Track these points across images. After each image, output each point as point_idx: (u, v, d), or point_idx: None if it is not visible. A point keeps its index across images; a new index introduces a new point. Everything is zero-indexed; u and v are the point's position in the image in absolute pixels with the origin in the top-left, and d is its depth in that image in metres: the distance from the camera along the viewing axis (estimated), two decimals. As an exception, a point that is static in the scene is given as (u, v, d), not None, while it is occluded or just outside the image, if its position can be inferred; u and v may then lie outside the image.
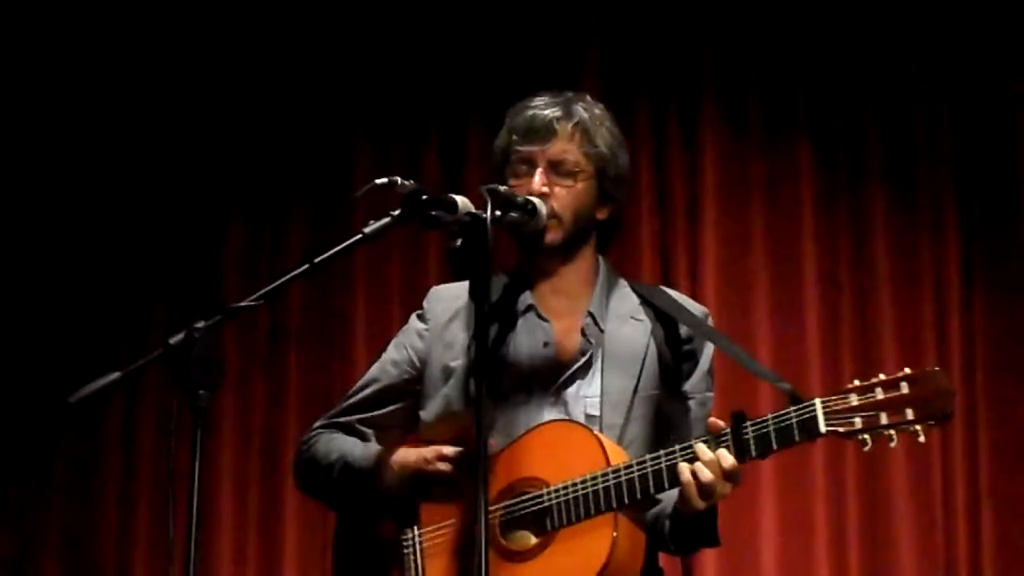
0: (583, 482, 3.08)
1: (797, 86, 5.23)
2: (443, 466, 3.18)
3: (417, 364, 3.36)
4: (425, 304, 3.42)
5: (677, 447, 3.06)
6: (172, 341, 2.78)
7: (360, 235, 2.92)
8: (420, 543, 3.23)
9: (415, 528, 3.24)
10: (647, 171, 5.24)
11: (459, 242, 2.88)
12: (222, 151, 5.57)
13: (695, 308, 3.43)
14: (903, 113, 5.16)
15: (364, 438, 3.37)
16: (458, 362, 3.29)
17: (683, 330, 3.36)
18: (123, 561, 5.33)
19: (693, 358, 3.37)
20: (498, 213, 2.94)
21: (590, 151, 3.29)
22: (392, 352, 3.41)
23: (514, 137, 3.30)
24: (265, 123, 5.56)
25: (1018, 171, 5.08)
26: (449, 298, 3.39)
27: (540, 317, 3.31)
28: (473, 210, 2.91)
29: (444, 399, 3.29)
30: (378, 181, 2.89)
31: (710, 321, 3.43)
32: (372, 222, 2.94)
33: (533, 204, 3.14)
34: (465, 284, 3.33)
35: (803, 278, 5.11)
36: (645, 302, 3.38)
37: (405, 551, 3.25)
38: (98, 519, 5.39)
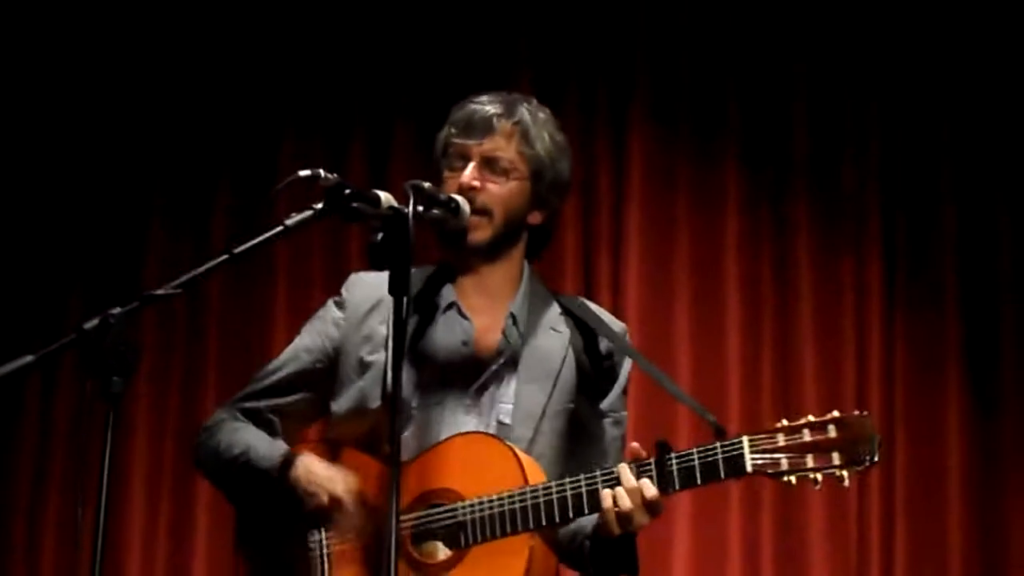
0: (500, 500, 3.06)
1: (726, 95, 5.26)
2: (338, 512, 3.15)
3: (331, 353, 3.31)
4: (344, 292, 3.37)
5: (598, 472, 3.05)
6: (87, 326, 2.75)
7: (282, 227, 2.90)
8: (327, 547, 3.20)
9: (321, 531, 3.20)
10: (574, 171, 5.23)
11: (380, 236, 2.87)
12: (145, 137, 5.52)
13: (614, 324, 3.42)
14: (830, 122, 5.20)
15: (270, 426, 3.31)
16: (376, 356, 3.25)
17: (603, 344, 3.35)
18: (33, 543, 5.27)
19: (611, 374, 3.37)
20: (420, 209, 2.94)
21: (526, 152, 3.29)
22: (305, 338, 3.35)
23: (452, 130, 3.30)
24: (191, 112, 5.52)
25: (942, 181, 5.13)
26: (369, 287, 3.33)
27: (461, 315, 3.29)
28: (396, 205, 2.91)
29: (359, 392, 3.25)
30: (301, 173, 2.88)
31: (628, 338, 3.42)
32: (294, 214, 2.92)
33: (456, 203, 3.14)
34: (387, 275, 3.26)
35: (725, 286, 5.13)
36: (566, 312, 3.38)
37: (311, 553, 3.21)
38: (9, 501, 5.33)
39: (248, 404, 3.33)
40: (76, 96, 5.55)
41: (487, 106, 3.30)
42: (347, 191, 2.89)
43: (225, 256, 2.87)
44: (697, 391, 4.98)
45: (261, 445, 3.24)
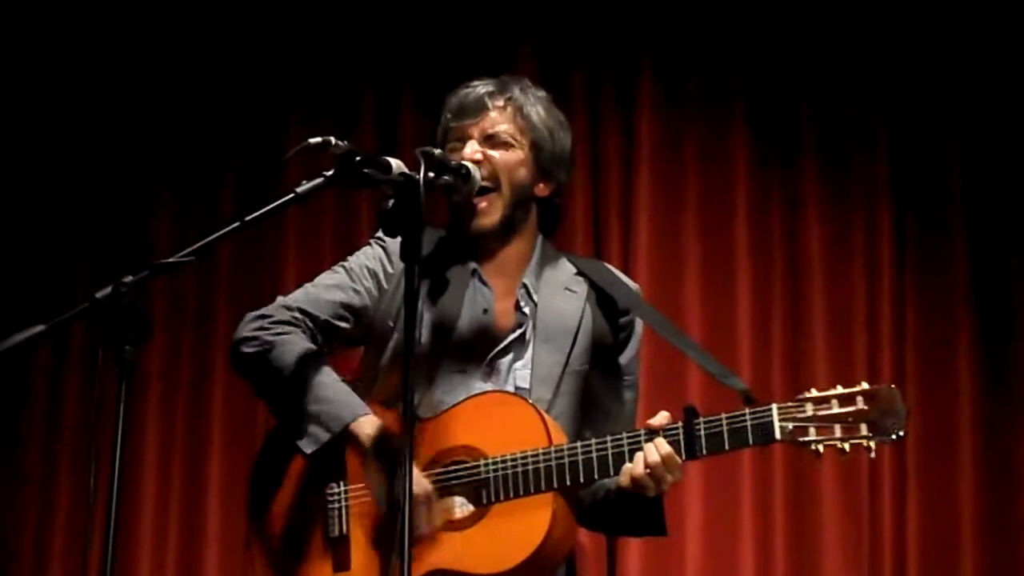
0: (523, 458, 3.08)
1: (734, 62, 5.24)
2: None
3: (378, 296, 3.31)
4: (391, 250, 3.34)
5: (624, 434, 3.07)
6: (99, 295, 2.76)
7: (293, 194, 2.91)
8: (346, 500, 3.21)
9: (341, 484, 3.22)
10: (582, 142, 5.23)
11: (391, 203, 2.87)
12: (156, 108, 5.51)
13: (630, 284, 3.44)
14: (837, 86, 5.18)
15: (326, 343, 3.31)
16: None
17: (619, 304, 3.37)
18: (44, 514, 5.29)
19: (627, 335, 3.39)
20: (431, 175, 2.94)
21: (523, 124, 3.32)
22: (363, 273, 3.34)
23: (449, 115, 3.34)
24: (200, 83, 5.51)
25: (950, 142, 5.11)
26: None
27: (483, 282, 3.31)
28: (407, 171, 2.91)
29: (393, 352, 3.26)
30: (312, 140, 2.89)
31: (642, 299, 3.45)
32: (305, 182, 2.93)
33: (467, 168, 3.15)
34: (429, 232, 3.29)
35: (735, 251, 5.12)
36: (581, 273, 3.39)
37: (330, 505, 3.23)
38: (21, 470, 5.34)
39: (313, 312, 3.31)
40: (87, 66, 5.54)
41: (479, 88, 3.35)
42: (358, 158, 2.89)
43: (236, 223, 2.87)
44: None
45: (339, 395, 3.20)
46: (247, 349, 3.32)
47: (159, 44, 5.53)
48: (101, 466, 2.77)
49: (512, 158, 3.29)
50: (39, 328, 2.79)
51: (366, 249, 3.39)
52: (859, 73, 5.18)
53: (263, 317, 3.33)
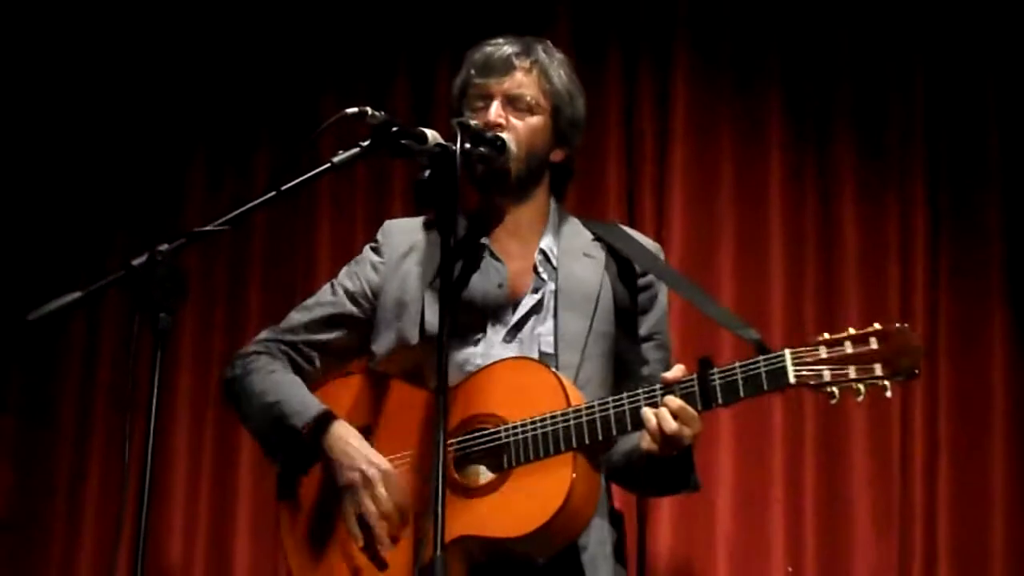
0: (542, 421, 3.08)
1: (770, 34, 5.21)
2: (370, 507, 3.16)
3: (370, 296, 3.37)
4: (380, 237, 3.43)
5: (640, 390, 3.07)
6: (134, 263, 2.77)
7: (329, 164, 2.91)
8: None
9: None
10: (616, 114, 5.22)
11: (427, 173, 2.87)
12: (191, 80, 5.51)
13: (648, 244, 3.44)
14: (875, 63, 5.14)
15: (311, 362, 3.36)
16: (412, 296, 3.30)
17: (638, 266, 3.38)
18: (76, 482, 5.31)
19: (650, 296, 3.40)
20: (468, 146, 2.94)
21: (547, 88, 3.33)
22: (345, 280, 3.41)
23: (472, 71, 3.35)
24: (234, 54, 5.51)
25: (987, 111, 5.07)
26: (404, 232, 3.42)
27: (494, 257, 3.32)
28: (443, 142, 2.90)
29: (397, 332, 3.29)
30: (348, 110, 2.89)
31: (661, 257, 3.45)
32: (341, 152, 2.93)
33: (503, 140, 3.15)
34: (419, 220, 3.39)
35: (769, 226, 5.09)
36: (597, 238, 3.39)
37: (344, 482, 3.23)
38: (54, 441, 5.37)
39: (289, 337, 3.38)
40: (124, 38, 5.54)
41: (504, 47, 3.36)
42: (394, 128, 2.89)
43: (272, 192, 2.88)
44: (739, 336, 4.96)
45: (294, 398, 3.26)
46: (226, 392, 3.44)
47: (194, 14, 5.53)
48: (135, 431, 2.78)
49: (533, 125, 3.31)
50: (75, 295, 2.81)
51: (357, 257, 3.46)
52: (896, 47, 5.14)
53: (239, 357, 3.42)
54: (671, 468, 3.14)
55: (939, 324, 4.99)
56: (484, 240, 3.33)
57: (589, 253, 3.37)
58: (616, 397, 3.08)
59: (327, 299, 3.40)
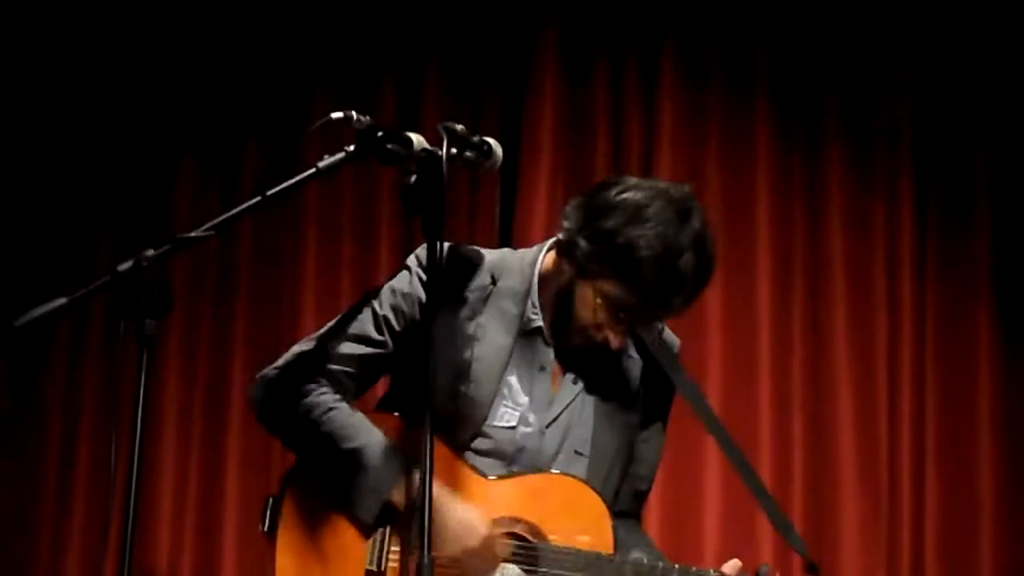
0: (587, 556, 3.08)
1: (757, 43, 5.23)
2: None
3: (411, 330, 3.21)
4: (427, 266, 3.10)
5: (694, 569, 3.08)
6: (120, 268, 2.76)
7: (314, 169, 2.89)
8: (390, 539, 3.15)
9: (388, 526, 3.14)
10: (603, 122, 5.23)
11: (413, 179, 2.86)
12: (179, 85, 5.51)
13: (671, 340, 3.36)
14: (862, 70, 5.17)
15: (346, 390, 3.22)
16: (464, 353, 3.19)
17: (662, 371, 3.31)
18: (63, 490, 5.30)
19: (666, 400, 3.36)
20: (454, 151, 2.92)
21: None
22: (390, 315, 3.23)
23: (631, 297, 3.09)
24: (223, 59, 5.50)
25: (974, 119, 5.10)
26: (455, 269, 3.25)
27: (545, 342, 3.24)
28: (429, 147, 2.89)
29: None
30: (334, 115, 2.87)
31: (677, 351, 3.36)
32: (327, 156, 2.91)
33: (489, 145, 3.09)
34: (472, 253, 3.26)
35: (756, 233, 5.12)
36: (634, 335, 3.29)
37: (373, 536, 3.16)
38: (39, 448, 5.35)
39: (333, 367, 3.21)
40: (111, 41, 5.53)
41: (678, 297, 3.10)
42: (380, 133, 2.88)
43: (258, 198, 2.86)
44: (727, 339, 4.98)
45: (376, 451, 3.12)
46: (279, 417, 3.22)
47: (183, 18, 5.52)
48: (121, 438, 2.77)
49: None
50: (61, 301, 2.79)
51: (404, 282, 3.24)
52: (884, 56, 5.17)
53: (284, 378, 3.21)
54: None
55: (926, 329, 5.01)
56: (539, 321, 3.22)
57: (630, 353, 3.30)
58: (667, 567, 3.08)
59: (372, 335, 3.22)
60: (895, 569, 4.90)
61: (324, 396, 3.18)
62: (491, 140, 3.10)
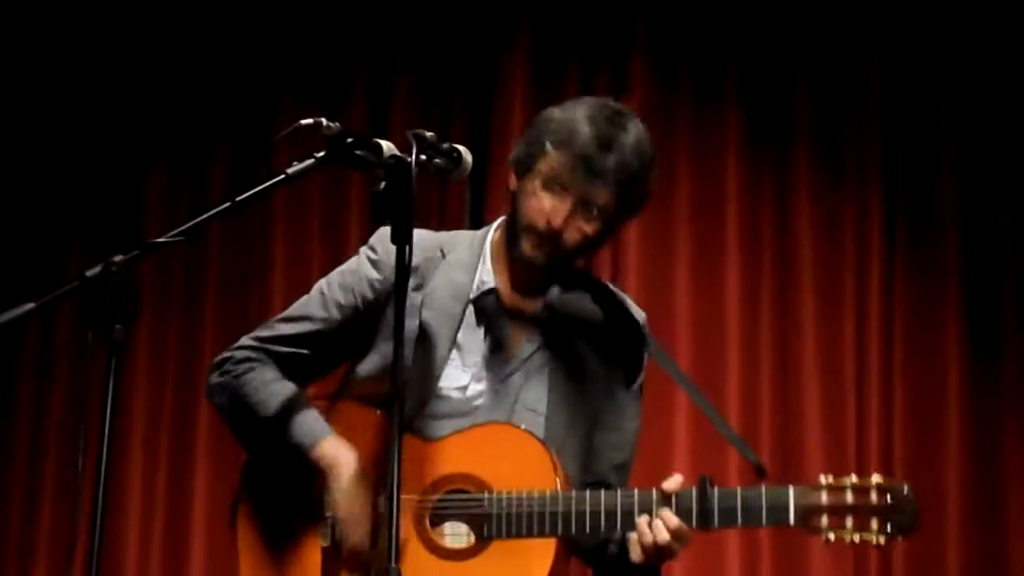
0: (530, 499, 3.06)
1: (727, 50, 5.24)
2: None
3: (362, 312, 3.25)
4: (379, 248, 3.29)
5: (636, 492, 3.05)
6: (89, 273, 2.75)
7: (284, 175, 2.88)
8: None
9: None
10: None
11: (383, 185, 2.86)
12: (148, 91, 5.50)
13: (637, 313, 3.37)
14: (831, 74, 5.18)
15: (292, 372, 3.27)
16: (408, 321, 3.11)
17: (628, 337, 3.33)
18: (33, 492, 5.31)
19: (636, 368, 3.35)
20: (423, 158, 2.92)
21: (620, 206, 3.20)
22: (337, 292, 3.29)
23: (568, 155, 3.15)
24: (193, 66, 5.51)
25: (943, 125, 5.13)
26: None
27: (500, 304, 3.27)
28: (398, 153, 2.89)
29: (384, 358, 3.23)
30: (303, 121, 2.86)
31: (647, 329, 3.37)
32: (296, 163, 2.91)
33: (459, 152, 3.08)
34: (422, 234, 3.27)
35: (725, 238, 5.12)
36: (596, 301, 3.33)
37: (326, 516, 3.19)
38: (7, 456, 5.35)
39: (275, 347, 3.29)
40: (80, 48, 5.53)
41: (610, 155, 3.15)
42: (349, 139, 2.88)
43: (227, 203, 2.85)
44: (696, 341, 5.00)
45: (305, 419, 3.20)
46: (217, 399, 3.31)
47: (152, 25, 5.52)
48: (89, 443, 2.77)
49: (588, 232, 3.19)
50: (28, 306, 2.79)
51: (352, 264, 3.32)
52: (853, 59, 5.19)
53: (226, 360, 3.30)
54: (641, 569, 3.10)
55: (894, 333, 5.03)
56: (493, 283, 3.27)
57: (587, 315, 3.31)
58: (609, 493, 3.06)
59: (317, 313, 3.28)
60: (863, 571, 4.91)
61: (254, 374, 3.24)
62: (461, 147, 3.10)
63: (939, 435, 4.97)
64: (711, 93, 5.23)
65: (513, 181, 3.24)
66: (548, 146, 3.17)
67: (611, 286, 3.43)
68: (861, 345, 5.02)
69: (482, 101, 5.36)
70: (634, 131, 3.18)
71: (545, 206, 3.16)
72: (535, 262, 3.20)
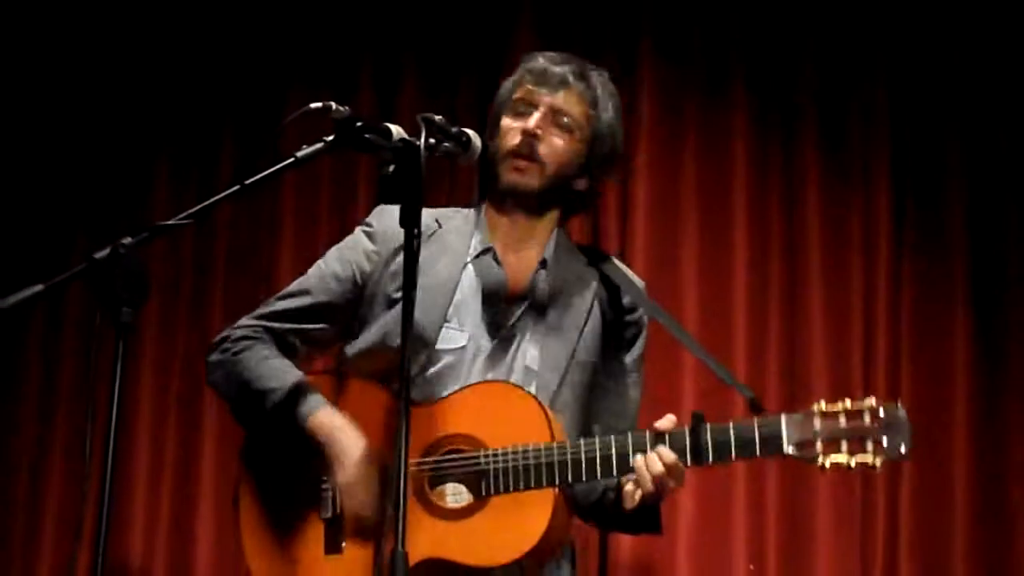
0: (525, 452, 3.07)
1: (734, 37, 5.22)
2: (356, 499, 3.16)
3: (359, 284, 3.31)
4: (374, 223, 3.36)
5: (629, 436, 3.07)
6: (97, 256, 2.76)
7: (293, 158, 2.90)
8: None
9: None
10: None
11: (391, 169, 2.87)
12: (156, 78, 5.50)
13: (636, 280, 3.43)
14: (838, 62, 5.16)
15: (292, 350, 3.33)
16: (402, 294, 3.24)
17: (626, 301, 3.37)
18: (38, 477, 5.29)
19: (635, 332, 3.39)
20: (432, 141, 2.93)
21: (592, 115, 3.33)
22: (335, 265, 3.35)
23: (526, 77, 3.35)
24: (199, 53, 5.50)
25: (950, 120, 5.10)
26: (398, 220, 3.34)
27: (496, 260, 3.31)
28: (407, 137, 2.90)
29: (383, 328, 3.26)
30: (312, 105, 2.88)
31: (644, 293, 3.42)
32: (305, 146, 2.92)
33: (468, 136, 3.11)
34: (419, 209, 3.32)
35: (733, 227, 5.10)
36: (592, 265, 3.38)
37: (324, 486, 3.22)
38: (14, 438, 5.34)
39: (273, 324, 3.32)
40: (86, 36, 5.52)
41: (563, 64, 3.35)
42: (358, 123, 2.89)
43: (236, 187, 2.87)
44: (703, 328, 4.98)
45: (301, 392, 3.23)
46: (215, 377, 3.36)
47: (159, 12, 5.52)
48: (96, 425, 2.77)
49: (567, 147, 3.30)
50: (37, 288, 2.80)
51: (349, 239, 3.39)
52: (861, 50, 5.16)
53: (224, 339, 3.35)
54: (640, 513, 3.14)
55: (901, 323, 5.01)
56: (488, 242, 3.31)
57: (583, 278, 3.35)
58: (604, 439, 3.07)
59: (315, 287, 3.34)
60: (868, 569, 4.90)
61: (251, 352, 3.28)
62: (470, 131, 3.12)
63: (946, 428, 4.95)
64: (718, 83, 5.21)
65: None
66: (515, 76, 3.37)
67: (612, 257, 3.47)
68: (869, 339, 4.99)
69: (489, 89, 5.33)
70: (595, 68, 3.39)
71: (517, 124, 3.29)
72: (520, 186, 3.26)
